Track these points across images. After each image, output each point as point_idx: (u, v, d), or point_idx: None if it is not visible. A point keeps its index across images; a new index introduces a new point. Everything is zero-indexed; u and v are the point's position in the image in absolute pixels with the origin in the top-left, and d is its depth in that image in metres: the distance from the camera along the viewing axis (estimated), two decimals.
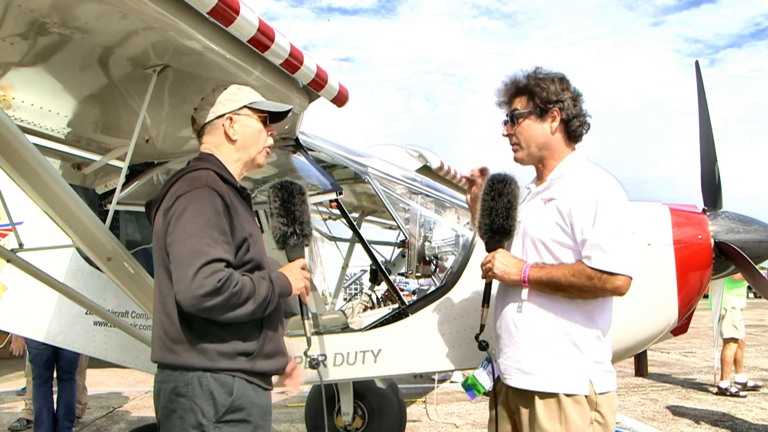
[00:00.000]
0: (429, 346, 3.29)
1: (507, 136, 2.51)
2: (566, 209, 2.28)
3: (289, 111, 2.44)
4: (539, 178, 2.52)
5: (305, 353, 2.57)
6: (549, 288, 2.28)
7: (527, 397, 2.32)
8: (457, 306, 3.28)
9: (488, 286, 2.58)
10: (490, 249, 2.45)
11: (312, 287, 3.41)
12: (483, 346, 2.58)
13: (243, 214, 2.20)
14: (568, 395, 2.24)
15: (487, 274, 2.45)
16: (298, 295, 2.38)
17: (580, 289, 2.23)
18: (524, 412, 2.33)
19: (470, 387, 2.55)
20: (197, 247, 1.98)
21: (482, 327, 2.59)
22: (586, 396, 2.24)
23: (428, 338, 3.30)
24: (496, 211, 2.40)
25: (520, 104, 2.46)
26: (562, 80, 2.43)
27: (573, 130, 2.43)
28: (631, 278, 2.23)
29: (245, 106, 2.32)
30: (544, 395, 2.27)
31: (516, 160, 2.53)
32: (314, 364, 2.60)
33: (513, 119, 2.46)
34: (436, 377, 7.10)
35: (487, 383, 2.53)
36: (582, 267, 2.22)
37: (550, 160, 2.45)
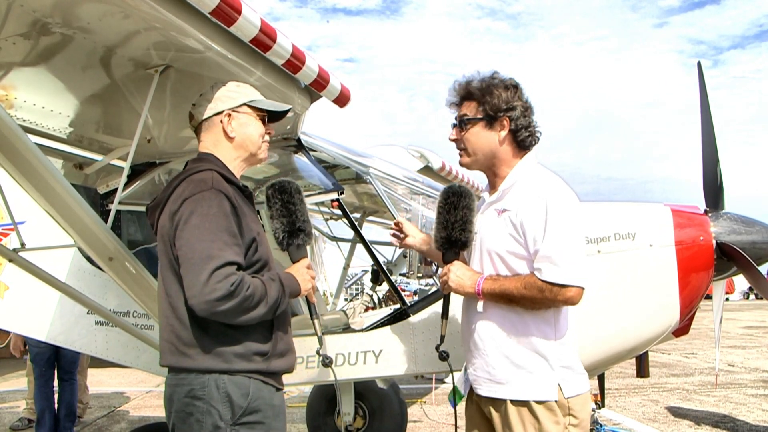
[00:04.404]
0: (430, 347, 3.29)
1: (454, 140, 2.46)
2: (518, 220, 2.26)
3: (288, 111, 2.43)
4: (492, 186, 2.48)
5: (317, 352, 2.56)
6: (502, 300, 2.27)
7: (499, 406, 2.31)
8: (457, 307, 3.27)
9: (446, 298, 2.60)
10: (446, 261, 2.44)
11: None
12: (443, 356, 2.61)
13: (249, 214, 2.19)
14: (538, 402, 2.22)
15: (444, 286, 2.45)
16: (305, 295, 2.37)
17: (532, 301, 2.21)
18: (497, 420, 2.32)
19: (450, 397, 2.62)
20: (208, 251, 1.96)
21: (442, 338, 2.61)
22: (556, 401, 2.22)
23: (429, 339, 3.30)
24: (451, 223, 2.39)
25: (469, 109, 2.40)
26: (516, 88, 2.39)
27: (521, 140, 2.38)
28: (582, 288, 2.20)
29: (244, 104, 2.30)
30: (516, 403, 2.25)
31: (461, 164, 2.49)
32: (327, 362, 2.59)
33: (461, 124, 2.42)
34: (433, 377, 7.10)
35: (463, 389, 2.55)
36: (533, 279, 2.20)
37: (500, 168, 2.41)
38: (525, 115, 2.38)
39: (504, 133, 2.37)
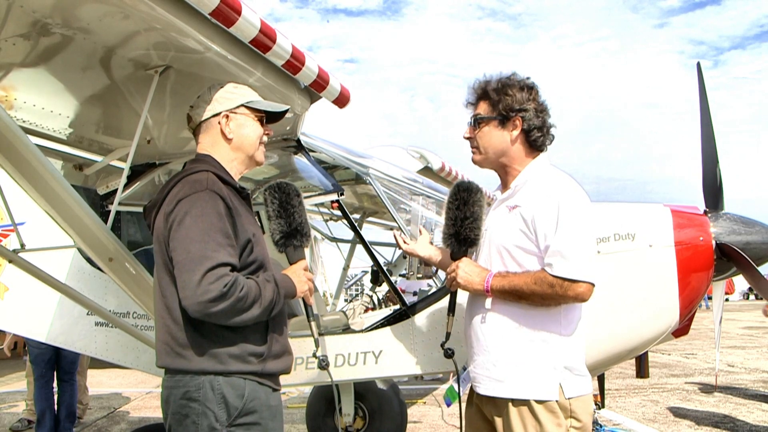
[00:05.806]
0: (430, 347, 3.29)
1: (468, 138, 2.50)
2: (530, 216, 2.27)
3: (286, 111, 2.42)
4: (504, 185, 2.50)
5: (314, 354, 2.56)
6: (512, 297, 2.26)
7: (499, 405, 2.30)
8: (458, 307, 3.27)
9: (453, 295, 2.60)
10: (455, 258, 2.44)
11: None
12: (449, 354, 2.60)
13: (245, 215, 2.18)
14: (539, 402, 2.21)
15: (452, 283, 2.44)
16: (302, 297, 2.37)
17: (542, 296, 2.21)
18: (498, 422, 2.31)
19: (447, 396, 2.62)
20: (201, 251, 1.96)
21: (448, 335, 2.62)
22: (557, 401, 2.20)
23: (429, 339, 3.30)
24: (460, 220, 2.40)
25: (483, 109, 2.44)
26: (531, 89, 2.41)
27: (534, 140, 2.41)
28: (593, 285, 2.20)
29: (242, 105, 2.30)
30: (516, 403, 2.24)
31: (473, 162, 2.52)
32: (324, 364, 2.59)
33: (475, 123, 2.45)
34: (442, 377, 7.11)
35: (462, 389, 2.54)
36: (544, 275, 2.20)
37: (512, 167, 2.43)
38: (538, 115, 2.40)
39: (516, 132, 2.39)
